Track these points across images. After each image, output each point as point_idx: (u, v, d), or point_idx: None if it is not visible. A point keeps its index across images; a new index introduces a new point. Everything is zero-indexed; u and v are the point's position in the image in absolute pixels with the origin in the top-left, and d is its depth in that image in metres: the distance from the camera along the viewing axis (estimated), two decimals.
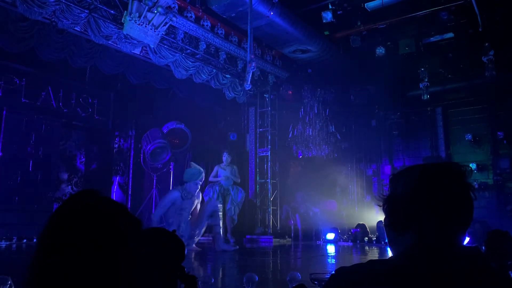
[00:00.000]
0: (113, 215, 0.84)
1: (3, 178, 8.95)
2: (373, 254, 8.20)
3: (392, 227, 1.09)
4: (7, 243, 8.18)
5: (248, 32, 7.35)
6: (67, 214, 0.82)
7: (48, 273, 0.76)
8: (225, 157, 9.61)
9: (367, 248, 9.30)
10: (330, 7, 9.45)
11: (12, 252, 7.52)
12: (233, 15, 8.14)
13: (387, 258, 1.08)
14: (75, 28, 6.90)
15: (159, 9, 6.74)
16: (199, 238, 7.85)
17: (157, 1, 6.73)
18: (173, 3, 7.29)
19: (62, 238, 0.78)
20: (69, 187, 10.51)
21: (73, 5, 6.40)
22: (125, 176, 11.33)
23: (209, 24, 8.42)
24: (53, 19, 6.47)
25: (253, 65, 7.47)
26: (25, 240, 8.46)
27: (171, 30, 7.82)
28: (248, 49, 7.40)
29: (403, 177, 1.11)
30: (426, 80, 10.54)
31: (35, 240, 8.39)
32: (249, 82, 7.61)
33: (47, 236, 0.80)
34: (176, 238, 2.14)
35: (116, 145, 11.42)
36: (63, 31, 6.97)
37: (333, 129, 11.66)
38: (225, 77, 9.45)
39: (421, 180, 1.07)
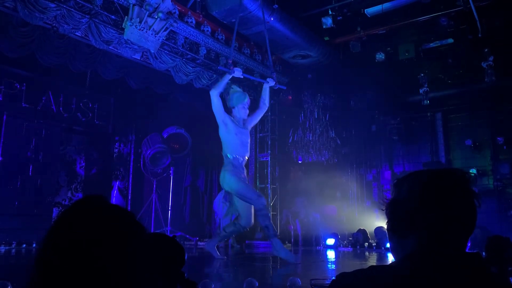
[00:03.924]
0: (117, 219, 0.84)
1: (3, 183, 8.94)
2: (373, 259, 8.17)
3: (394, 231, 1.10)
4: (7, 248, 8.15)
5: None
6: (72, 217, 0.83)
7: (51, 274, 0.77)
8: None
9: (367, 253, 9.28)
10: (330, 12, 9.48)
11: (11, 257, 7.49)
12: (234, 20, 8.16)
13: (389, 264, 1.08)
14: (76, 33, 6.92)
15: (160, 14, 6.77)
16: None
17: (157, 6, 6.75)
18: (174, 9, 7.31)
19: (66, 240, 0.79)
20: (69, 192, 10.50)
21: (74, 10, 6.42)
22: (125, 181, 11.32)
23: (210, 30, 8.44)
24: (54, 24, 6.50)
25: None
26: (24, 245, 8.43)
27: (172, 35, 7.84)
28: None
29: (407, 182, 1.11)
30: (426, 85, 10.56)
31: (34, 245, 8.38)
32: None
33: (51, 238, 0.81)
34: (176, 243, 2.14)
35: (116, 149, 11.42)
36: (64, 36, 6.99)
37: (333, 134, 11.67)
38: None
39: (425, 186, 1.07)
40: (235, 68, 6.91)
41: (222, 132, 6.70)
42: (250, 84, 9.97)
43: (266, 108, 7.18)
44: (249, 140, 6.87)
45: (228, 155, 6.65)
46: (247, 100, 6.91)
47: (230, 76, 6.83)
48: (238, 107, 6.85)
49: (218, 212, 9.37)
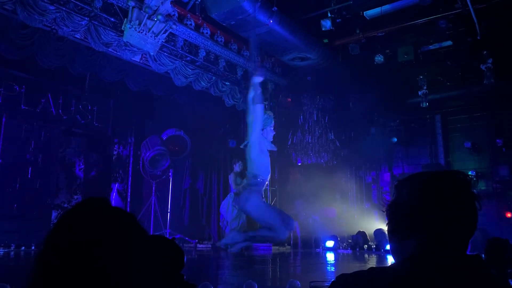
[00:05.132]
0: (117, 220, 0.84)
1: (2, 185, 8.93)
2: (373, 261, 8.17)
3: (394, 233, 1.10)
4: (5, 250, 8.14)
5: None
6: (73, 219, 0.83)
7: (51, 275, 0.77)
8: (240, 166, 9.55)
9: (366, 255, 9.27)
10: (329, 15, 9.50)
11: (10, 259, 7.48)
12: (233, 23, 8.17)
13: (389, 265, 1.08)
14: (75, 36, 6.92)
15: (159, 17, 6.78)
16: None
17: (157, 9, 6.76)
18: (173, 11, 7.32)
19: (66, 241, 0.79)
20: (68, 194, 10.48)
21: (73, 13, 6.43)
22: (124, 183, 11.31)
23: (209, 32, 8.45)
24: (54, 27, 6.50)
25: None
26: (23, 248, 8.42)
27: (171, 38, 7.85)
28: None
29: (408, 184, 1.11)
30: (425, 87, 10.57)
31: (33, 247, 8.36)
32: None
33: (52, 239, 0.81)
34: (176, 246, 2.14)
35: (116, 152, 11.41)
36: (63, 38, 7.00)
37: (333, 136, 11.67)
38: (225, 84, 9.47)
39: (426, 188, 1.07)
40: (259, 69, 6.40)
41: (255, 152, 6.10)
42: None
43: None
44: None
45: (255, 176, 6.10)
46: (273, 123, 6.51)
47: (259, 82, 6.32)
48: (267, 130, 6.37)
49: (226, 215, 9.33)
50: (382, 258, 8.51)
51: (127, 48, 7.24)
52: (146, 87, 9.09)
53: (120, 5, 6.87)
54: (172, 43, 7.95)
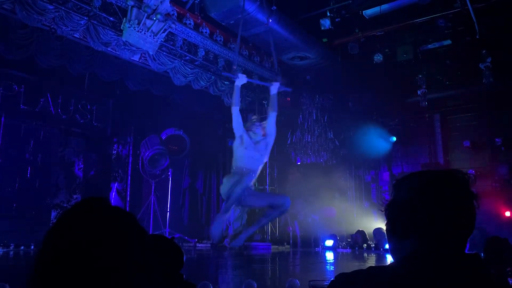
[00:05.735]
0: (117, 220, 0.85)
1: (1, 185, 8.93)
2: (372, 261, 8.18)
3: (393, 232, 1.10)
4: (5, 250, 8.14)
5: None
6: (72, 218, 0.84)
7: (51, 274, 0.77)
8: None
9: (366, 254, 9.28)
10: (328, 14, 9.50)
11: (9, 259, 7.48)
12: (232, 22, 8.16)
13: (387, 264, 1.08)
14: (74, 35, 6.92)
15: (158, 16, 6.77)
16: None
17: (156, 8, 6.75)
18: (172, 10, 7.32)
19: (66, 240, 0.79)
20: (68, 193, 10.47)
21: (72, 12, 6.42)
22: (124, 182, 11.31)
23: (208, 31, 8.45)
24: (53, 26, 6.49)
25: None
26: (22, 247, 8.42)
27: (170, 37, 7.84)
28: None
29: (406, 182, 1.11)
30: (424, 86, 10.57)
31: (32, 247, 8.37)
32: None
33: (51, 239, 0.81)
34: (175, 245, 2.14)
35: (115, 151, 11.41)
36: (62, 38, 6.99)
37: (332, 136, 11.68)
38: (224, 83, 9.46)
39: (424, 187, 1.07)
40: (240, 74, 6.52)
41: (234, 145, 6.26)
42: (248, 85, 9.95)
43: (276, 113, 6.41)
44: (260, 156, 6.28)
45: (233, 166, 6.21)
46: (255, 121, 6.50)
47: (240, 85, 6.32)
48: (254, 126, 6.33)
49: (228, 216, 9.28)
50: (381, 257, 8.52)
51: (126, 47, 7.23)
52: (145, 87, 9.09)
53: (119, 5, 6.86)
54: (171, 43, 7.94)
